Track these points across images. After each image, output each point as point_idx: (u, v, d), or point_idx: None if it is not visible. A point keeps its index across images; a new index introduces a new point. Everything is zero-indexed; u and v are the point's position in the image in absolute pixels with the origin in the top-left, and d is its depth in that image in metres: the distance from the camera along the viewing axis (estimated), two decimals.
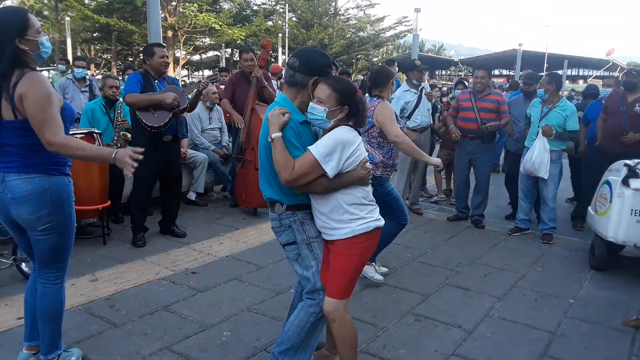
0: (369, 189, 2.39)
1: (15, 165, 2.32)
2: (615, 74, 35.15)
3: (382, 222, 2.41)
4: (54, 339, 2.58)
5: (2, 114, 2.26)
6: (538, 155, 4.87)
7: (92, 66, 26.87)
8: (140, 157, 2.42)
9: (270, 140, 2.22)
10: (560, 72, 34.33)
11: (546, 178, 4.93)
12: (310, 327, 2.41)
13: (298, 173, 2.18)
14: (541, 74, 5.91)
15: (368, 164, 2.32)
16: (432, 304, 3.59)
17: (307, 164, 2.18)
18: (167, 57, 4.56)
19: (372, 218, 2.36)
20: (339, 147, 2.21)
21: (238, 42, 27.94)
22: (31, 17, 2.32)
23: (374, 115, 3.59)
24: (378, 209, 2.43)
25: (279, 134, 2.21)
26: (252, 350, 2.89)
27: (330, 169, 2.20)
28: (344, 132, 2.25)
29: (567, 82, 36.59)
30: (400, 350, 2.94)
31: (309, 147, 2.22)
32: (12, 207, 2.35)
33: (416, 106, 5.64)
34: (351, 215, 2.31)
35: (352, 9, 35.88)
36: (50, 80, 9.63)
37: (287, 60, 4.76)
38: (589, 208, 4.73)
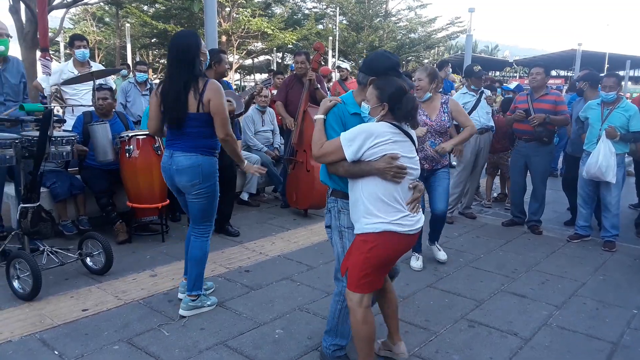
0: (399, 188, 2.34)
1: (182, 145, 3.12)
2: None
3: (399, 228, 2.33)
4: (197, 281, 3.31)
5: (189, 107, 3.02)
6: (604, 159, 4.65)
7: (150, 70, 27.88)
8: (263, 171, 3.53)
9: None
10: (622, 72, 32.70)
11: (613, 182, 4.72)
12: (339, 313, 2.65)
13: (324, 151, 2.44)
14: (601, 74, 5.68)
15: (398, 162, 2.31)
16: (486, 310, 3.51)
17: (333, 144, 2.41)
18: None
19: (386, 220, 2.32)
20: (363, 135, 2.33)
21: (289, 45, 28.28)
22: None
23: None
24: (409, 214, 2.36)
25: (322, 116, 2.55)
26: (304, 349, 2.92)
27: (349, 153, 2.34)
28: (376, 125, 2.38)
29: (629, 83, 34.76)
30: (454, 356, 2.90)
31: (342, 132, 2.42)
32: (176, 176, 3.15)
33: (474, 108, 5.57)
34: (367, 212, 2.34)
35: (403, 10, 35.58)
36: (114, 85, 10.11)
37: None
38: None
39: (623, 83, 6.02)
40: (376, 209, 2.33)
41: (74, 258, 3.89)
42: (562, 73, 45.65)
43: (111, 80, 5.89)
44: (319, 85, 5.64)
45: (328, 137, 2.48)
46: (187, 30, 3.22)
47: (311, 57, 5.70)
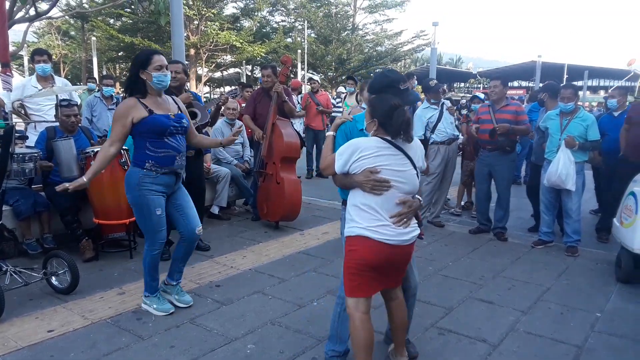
0: (380, 200, 2.42)
1: None
2: (637, 84, 34.53)
3: (374, 235, 2.42)
4: (147, 285, 3.57)
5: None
6: (563, 167, 4.82)
7: (117, 84, 27.44)
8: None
9: None
10: (580, 82, 33.91)
11: (573, 190, 4.89)
12: (338, 317, 2.79)
13: (325, 164, 2.65)
14: (561, 85, 5.90)
15: (379, 175, 2.40)
16: (455, 317, 3.57)
17: (330, 158, 2.59)
18: (178, 72, 4.58)
19: (361, 225, 2.44)
20: (350, 149, 2.47)
21: (258, 58, 28.35)
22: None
23: None
24: (390, 224, 2.43)
25: (332, 133, 2.78)
26: None
27: (337, 166, 2.51)
28: (365, 140, 2.50)
29: (587, 92, 36.07)
30: None
31: None
32: None
33: (438, 120, 5.72)
34: (349, 218, 2.54)
35: (370, 24, 36.19)
36: (79, 99, 9.92)
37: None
38: (614, 220, 4.67)
39: (580, 93, 6.25)
40: (355, 215, 2.49)
41: (39, 277, 3.78)
42: (524, 84, 47.02)
43: (75, 95, 5.78)
44: (286, 98, 5.67)
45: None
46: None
47: (279, 69, 5.74)
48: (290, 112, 5.84)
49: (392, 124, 2.43)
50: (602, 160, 5.56)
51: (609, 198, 5.33)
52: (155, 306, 3.50)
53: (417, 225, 2.54)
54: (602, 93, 42.18)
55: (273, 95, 5.61)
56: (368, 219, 2.44)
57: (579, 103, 5.14)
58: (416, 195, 2.54)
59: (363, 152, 2.43)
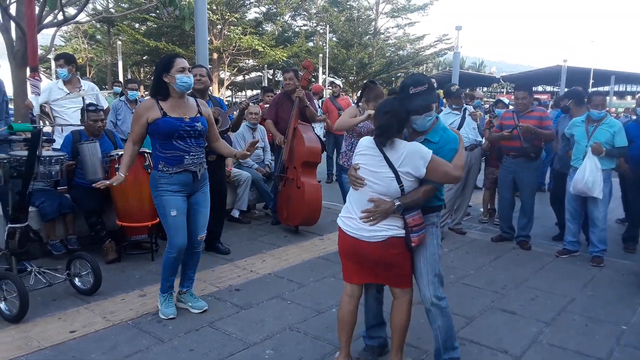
0: (356, 195, 2.68)
1: None
2: None
3: (341, 224, 2.73)
4: (162, 283, 3.61)
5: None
6: (590, 175, 4.72)
7: (142, 88, 27.88)
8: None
9: None
10: (607, 88, 33.20)
11: (600, 198, 4.78)
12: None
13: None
14: (588, 91, 5.79)
15: (355, 171, 2.66)
16: (476, 327, 3.51)
17: None
18: (203, 76, 4.60)
19: (341, 214, 2.78)
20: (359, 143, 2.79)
21: (280, 62, 28.51)
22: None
23: None
24: (355, 217, 2.65)
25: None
26: None
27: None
28: (365, 138, 2.74)
29: (614, 98, 35.32)
30: None
31: None
32: None
33: (460, 126, 5.63)
34: None
35: (392, 27, 36.03)
36: (106, 102, 10.08)
37: None
38: None
39: (608, 98, 6.10)
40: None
41: (62, 278, 3.84)
42: (548, 88, 46.29)
43: (103, 99, 5.87)
44: (308, 103, 5.68)
45: None
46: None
47: (300, 74, 5.76)
48: (311, 117, 5.84)
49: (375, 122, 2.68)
50: (629, 168, 5.42)
51: (637, 207, 5.19)
52: (160, 307, 3.57)
53: (391, 228, 2.60)
54: (629, 99, 41.26)
55: (295, 100, 5.62)
56: (344, 210, 2.76)
57: (605, 110, 5.03)
58: (395, 200, 2.56)
59: (358, 148, 2.72)
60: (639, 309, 3.89)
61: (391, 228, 2.59)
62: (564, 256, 5.12)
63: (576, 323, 3.62)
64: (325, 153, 8.38)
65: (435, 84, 2.18)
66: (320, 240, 5.50)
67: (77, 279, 3.89)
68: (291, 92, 5.72)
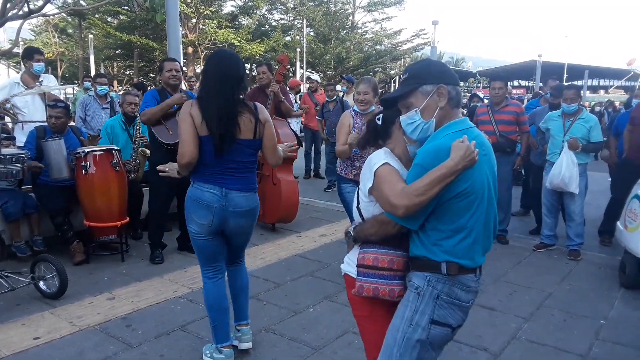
0: None
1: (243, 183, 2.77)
2: (637, 83, 34.43)
3: None
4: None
5: (241, 133, 2.65)
6: (567, 170, 4.71)
7: (115, 82, 27.35)
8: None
9: None
10: (580, 82, 33.81)
11: (576, 193, 4.78)
12: None
13: None
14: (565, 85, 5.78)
15: None
16: None
17: None
18: (177, 70, 4.44)
19: None
20: None
21: (257, 57, 28.24)
22: None
23: None
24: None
25: None
26: None
27: None
28: None
29: (587, 92, 35.99)
30: None
31: None
32: (233, 219, 2.74)
33: None
34: None
35: (369, 22, 36.04)
36: (74, 97, 9.77)
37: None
38: (618, 223, 4.56)
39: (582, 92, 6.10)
40: None
41: (26, 282, 3.67)
42: (524, 83, 46.96)
43: (55, 83, 5.66)
44: (283, 98, 5.56)
45: None
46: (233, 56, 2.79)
47: (275, 68, 5.64)
48: (287, 112, 5.73)
49: None
50: (615, 160, 5.46)
51: (616, 201, 5.20)
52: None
53: (349, 263, 2.05)
54: (602, 93, 42.11)
55: (270, 94, 5.50)
56: None
57: (580, 104, 5.02)
58: (350, 229, 2.03)
59: None
60: (616, 303, 3.89)
61: (349, 263, 2.05)
62: (541, 250, 5.13)
63: (555, 318, 3.60)
64: (302, 149, 8.29)
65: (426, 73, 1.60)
66: (297, 238, 5.40)
67: (42, 283, 3.72)
68: (265, 87, 5.60)
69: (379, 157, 1.91)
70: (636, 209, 4.22)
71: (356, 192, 2.03)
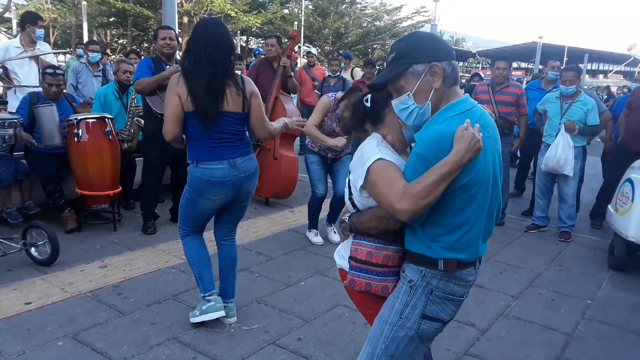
0: None
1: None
2: (637, 69, 34.33)
3: None
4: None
5: (229, 106, 2.68)
6: (562, 152, 4.72)
7: (109, 51, 26.94)
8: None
9: None
10: (581, 66, 33.65)
11: (571, 175, 4.80)
12: None
13: None
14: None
15: None
16: None
17: None
18: (172, 39, 4.36)
19: None
20: None
21: (253, 29, 27.83)
22: None
23: None
24: None
25: None
26: (260, 343, 2.83)
27: None
28: None
29: (587, 76, 35.87)
30: None
31: None
32: (246, 183, 2.83)
33: None
34: None
35: None
36: (66, 64, 9.60)
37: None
38: (609, 206, 4.60)
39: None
40: None
41: (18, 248, 3.66)
42: (523, 65, 46.70)
43: (50, 52, 5.59)
44: (292, 73, 5.50)
45: None
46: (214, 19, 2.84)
47: (286, 43, 5.54)
48: (293, 88, 5.67)
49: None
50: (612, 144, 5.47)
51: (610, 185, 5.22)
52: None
53: (343, 256, 1.91)
54: (600, 77, 41.99)
55: (278, 69, 5.41)
56: None
57: (580, 86, 5.00)
58: (346, 215, 1.88)
59: None
60: (604, 284, 3.95)
61: (343, 256, 1.91)
62: (532, 231, 5.17)
63: (543, 297, 3.65)
64: None
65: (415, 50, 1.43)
66: (291, 213, 5.40)
67: (33, 249, 3.71)
68: (272, 59, 5.52)
69: (371, 151, 1.72)
70: (627, 193, 4.25)
71: (347, 182, 1.87)
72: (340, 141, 4.03)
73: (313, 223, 4.56)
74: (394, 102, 1.69)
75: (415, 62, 1.62)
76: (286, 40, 5.59)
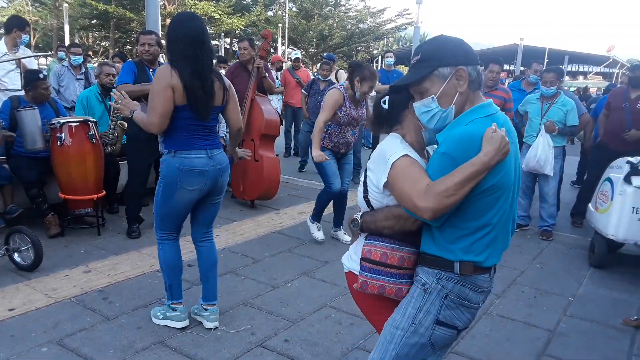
0: None
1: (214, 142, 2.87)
2: (616, 70, 34.97)
3: None
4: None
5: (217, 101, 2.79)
6: (543, 152, 4.81)
7: (91, 53, 26.66)
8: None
9: None
10: (561, 67, 34.15)
11: (551, 175, 4.88)
12: None
13: None
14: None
15: None
16: None
17: None
18: (151, 45, 4.32)
19: None
20: None
21: (237, 31, 27.75)
22: None
23: None
24: None
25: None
26: (247, 345, 2.84)
27: None
28: None
29: (567, 78, 36.41)
30: None
31: None
32: (221, 176, 2.87)
33: None
34: None
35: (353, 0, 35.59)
36: (48, 67, 9.49)
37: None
38: (589, 205, 4.69)
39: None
40: None
41: (0, 254, 3.61)
42: (505, 67, 47.19)
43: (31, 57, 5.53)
44: (266, 74, 5.51)
45: None
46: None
47: (258, 44, 5.57)
48: (269, 89, 5.68)
49: None
50: (591, 144, 5.59)
51: (589, 184, 5.33)
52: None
53: (353, 258, 1.86)
54: (580, 78, 42.65)
55: (252, 70, 5.43)
56: None
57: (560, 88, 5.09)
58: (357, 213, 1.83)
59: None
60: (584, 281, 4.03)
61: (354, 259, 1.84)
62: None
63: (525, 295, 3.71)
64: (283, 126, 8.25)
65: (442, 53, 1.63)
66: (276, 215, 5.41)
67: (16, 254, 3.67)
68: (246, 62, 5.53)
69: (395, 147, 1.70)
70: (607, 192, 4.34)
71: (362, 180, 1.82)
72: (321, 157, 4.14)
73: (318, 216, 4.63)
74: (416, 105, 1.68)
75: (441, 65, 1.61)
76: (258, 43, 5.61)
